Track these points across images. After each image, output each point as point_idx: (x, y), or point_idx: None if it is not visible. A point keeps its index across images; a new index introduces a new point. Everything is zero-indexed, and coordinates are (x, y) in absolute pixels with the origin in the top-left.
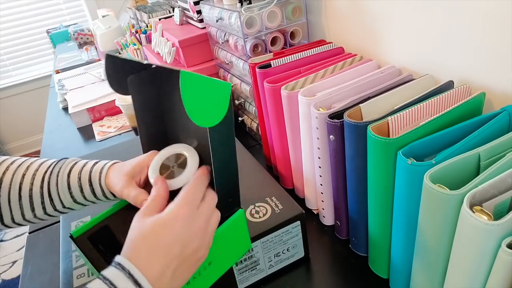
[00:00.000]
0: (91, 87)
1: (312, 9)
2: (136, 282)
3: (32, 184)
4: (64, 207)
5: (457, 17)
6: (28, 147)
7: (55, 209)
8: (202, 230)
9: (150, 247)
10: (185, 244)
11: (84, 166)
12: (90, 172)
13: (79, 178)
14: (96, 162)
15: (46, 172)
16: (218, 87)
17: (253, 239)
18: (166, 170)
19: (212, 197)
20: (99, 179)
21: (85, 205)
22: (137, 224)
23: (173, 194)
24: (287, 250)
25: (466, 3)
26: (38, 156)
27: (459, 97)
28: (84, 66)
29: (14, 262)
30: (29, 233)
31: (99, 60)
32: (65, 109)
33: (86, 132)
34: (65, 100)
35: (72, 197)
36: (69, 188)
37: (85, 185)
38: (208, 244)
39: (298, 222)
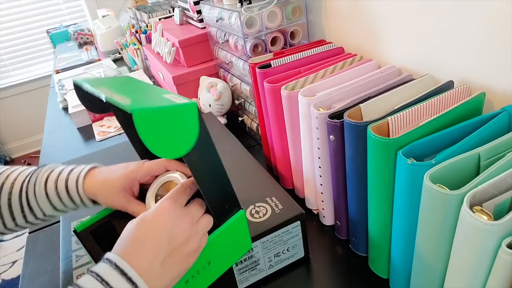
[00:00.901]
0: None
1: (312, 9)
2: (122, 272)
3: (10, 193)
4: (45, 215)
5: (458, 17)
6: (28, 147)
7: (36, 218)
8: (188, 225)
9: (137, 241)
10: (172, 237)
11: (60, 173)
12: (67, 180)
13: (56, 187)
14: (73, 169)
15: (24, 181)
16: (181, 112)
17: (253, 239)
18: (161, 196)
19: (201, 204)
20: (76, 187)
21: (66, 211)
22: (127, 226)
23: None
24: (287, 250)
25: (466, 3)
26: (38, 156)
27: (459, 97)
28: (84, 66)
29: (14, 262)
30: (29, 233)
31: (99, 60)
32: (65, 109)
33: (86, 132)
34: (65, 100)
35: (51, 205)
36: (47, 196)
37: (62, 193)
38: (199, 241)
39: (298, 222)
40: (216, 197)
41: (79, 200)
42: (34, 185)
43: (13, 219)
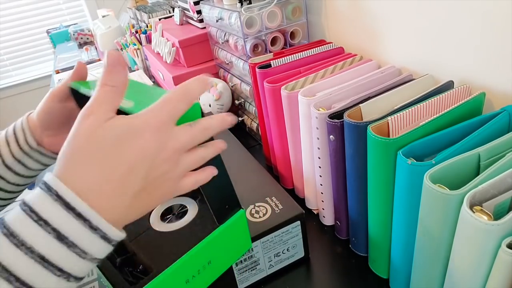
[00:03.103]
0: None
1: (312, 9)
2: (68, 205)
3: None
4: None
5: (457, 17)
6: None
7: None
8: (175, 152)
9: (107, 167)
10: (153, 166)
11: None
12: (15, 123)
13: (5, 133)
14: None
15: None
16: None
17: (253, 239)
18: (167, 216)
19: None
20: (21, 123)
21: (17, 173)
22: (86, 125)
23: (167, 235)
24: (287, 250)
25: (466, 3)
26: None
27: (459, 97)
28: None
29: None
30: None
31: (99, 60)
32: None
33: None
34: None
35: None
36: None
37: (10, 137)
38: (178, 180)
39: (298, 222)
40: (217, 197)
41: (24, 141)
42: None
43: None
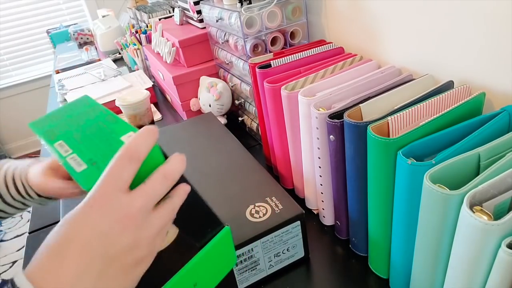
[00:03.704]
0: (91, 87)
1: (312, 9)
2: None
3: None
4: None
5: (458, 17)
6: (28, 147)
7: None
8: (133, 220)
9: (58, 250)
10: (110, 241)
11: (10, 164)
12: (14, 169)
13: (5, 176)
14: (24, 162)
15: None
16: (147, 159)
17: (253, 239)
18: None
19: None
20: (20, 175)
21: (15, 207)
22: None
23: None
24: (287, 250)
25: (466, 3)
26: (38, 156)
27: (459, 97)
28: (84, 66)
29: (14, 262)
30: (29, 233)
31: (99, 60)
32: None
33: None
34: (65, 100)
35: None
36: None
37: (9, 182)
38: (150, 246)
39: (298, 222)
40: (195, 224)
41: (24, 189)
42: None
43: None
